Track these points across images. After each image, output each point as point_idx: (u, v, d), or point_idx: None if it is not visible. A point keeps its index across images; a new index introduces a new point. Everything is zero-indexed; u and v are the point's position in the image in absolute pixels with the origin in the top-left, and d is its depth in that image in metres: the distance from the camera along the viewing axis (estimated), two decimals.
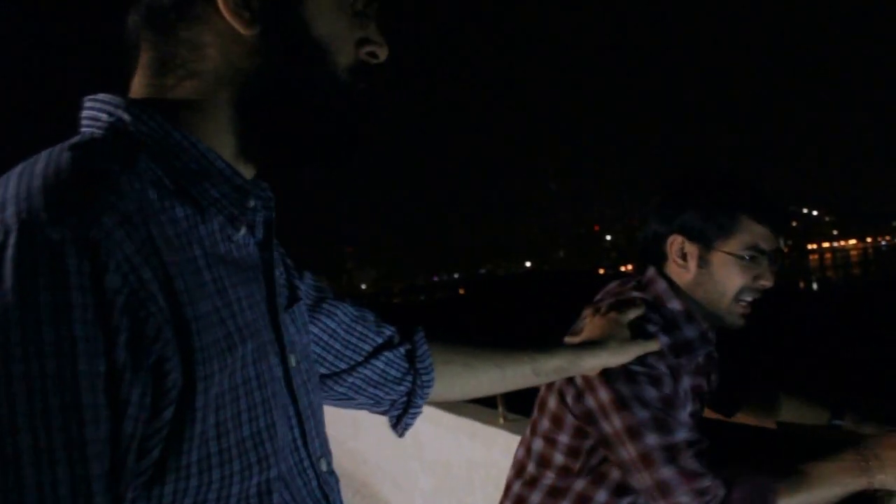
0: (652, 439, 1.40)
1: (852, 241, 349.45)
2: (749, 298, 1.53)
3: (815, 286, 76.29)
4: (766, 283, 1.52)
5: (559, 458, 1.53)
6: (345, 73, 0.81)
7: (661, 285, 1.57)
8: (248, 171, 0.82)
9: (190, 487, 0.67)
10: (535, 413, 1.62)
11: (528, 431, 1.63)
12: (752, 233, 1.51)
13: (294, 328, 0.88)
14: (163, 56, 0.77)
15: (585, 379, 1.47)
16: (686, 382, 1.51)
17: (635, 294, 1.58)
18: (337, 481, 0.89)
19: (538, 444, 1.57)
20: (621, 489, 1.49)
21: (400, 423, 1.24)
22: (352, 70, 0.82)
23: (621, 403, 1.42)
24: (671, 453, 1.38)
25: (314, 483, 0.83)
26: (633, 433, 1.41)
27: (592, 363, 1.40)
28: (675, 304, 1.55)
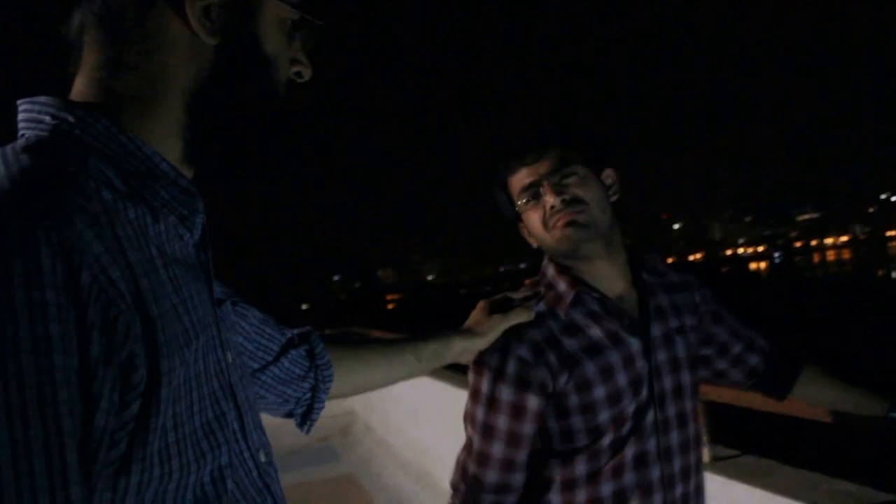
0: (475, 437, 1.52)
1: None
2: (552, 224, 1.53)
3: (894, 275, 73.82)
4: (549, 200, 1.51)
5: None
6: (282, 88, 0.88)
7: (544, 260, 1.64)
8: (188, 174, 0.84)
9: (153, 477, 0.69)
10: None
11: None
12: (514, 177, 1.57)
13: (225, 326, 0.90)
14: (114, 56, 0.78)
15: None
16: (586, 336, 1.51)
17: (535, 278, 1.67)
18: (276, 471, 0.91)
19: None
20: (567, 484, 1.49)
21: (306, 420, 1.32)
22: (285, 86, 0.89)
23: (470, 393, 1.55)
24: (481, 457, 1.50)
25: (255, 473, 0.85)
26: (466, 420, 1.55)
27: (462, 345, 1.50)
28: (549, 270, 1.60)
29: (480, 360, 1.53)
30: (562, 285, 1.55)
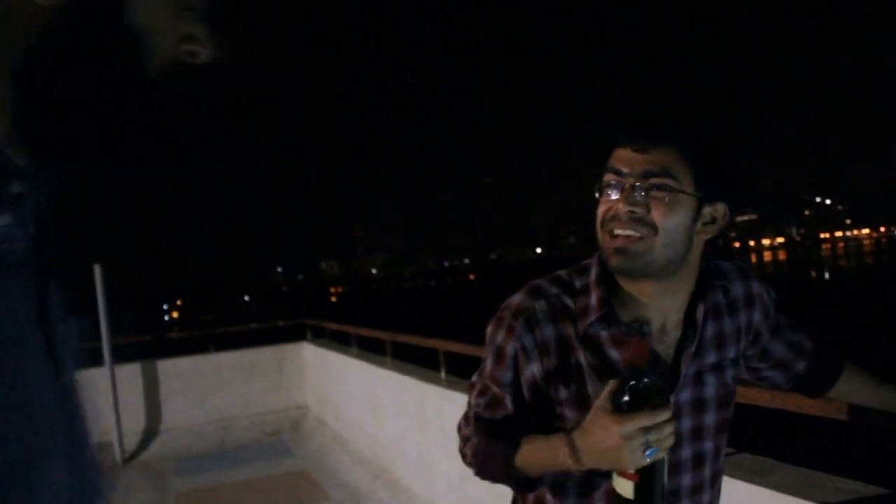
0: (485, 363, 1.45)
1: (865, 231, 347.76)
2: (608, 230, 1.31)
3: (827, 275, 76.33)
4: (618, 204, 1.29)
5: None
6: (156, 71, 0.65)
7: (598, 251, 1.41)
8: (18, 156, 0.61)
9: None
10: None
11: None
12: (616, 151, 1.33)
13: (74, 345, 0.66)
14: None
15: None
16: (602, 355, 1.35)
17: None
18: None
19: None
20: None
21: None
22: (168, 68, 0.66)
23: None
24: (474, 389, 1.46)
25: None
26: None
27: None
28: (593, 272, 1.39)
29: (495, 327, 1.41)
30: (593, 298, 1.36)
